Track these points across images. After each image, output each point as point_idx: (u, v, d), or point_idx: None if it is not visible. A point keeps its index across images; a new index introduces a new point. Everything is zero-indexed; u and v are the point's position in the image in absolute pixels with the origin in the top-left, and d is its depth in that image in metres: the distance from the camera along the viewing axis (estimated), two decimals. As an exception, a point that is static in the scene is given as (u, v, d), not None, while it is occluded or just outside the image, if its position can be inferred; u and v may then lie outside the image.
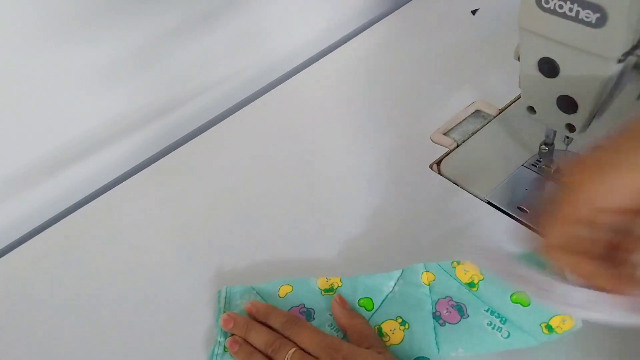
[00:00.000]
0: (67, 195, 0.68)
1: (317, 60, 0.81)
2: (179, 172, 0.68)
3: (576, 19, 0.42)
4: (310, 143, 0.68)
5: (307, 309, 0.51)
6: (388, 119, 0.70)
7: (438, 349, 0.46)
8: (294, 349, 0.45)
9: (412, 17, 0.86)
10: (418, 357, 0.46)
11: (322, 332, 0.47)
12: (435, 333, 0.47)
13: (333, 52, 0.82)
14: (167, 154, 0.70)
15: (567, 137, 0.55)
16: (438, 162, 0.64)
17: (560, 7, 0.42)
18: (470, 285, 0.47)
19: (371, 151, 0.66)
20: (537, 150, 0.58)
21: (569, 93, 0.48)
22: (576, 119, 0.49)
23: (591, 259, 0.37)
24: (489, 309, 0.47)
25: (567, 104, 0.48)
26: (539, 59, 0.47)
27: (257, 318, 0.49)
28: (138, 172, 0.68)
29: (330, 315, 0.50)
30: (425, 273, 0.50)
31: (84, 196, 0.69)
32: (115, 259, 0.59)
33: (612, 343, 0.45)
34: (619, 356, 0.45)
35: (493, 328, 0.46)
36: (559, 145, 0.57)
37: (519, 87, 0.52)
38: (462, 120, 0.68)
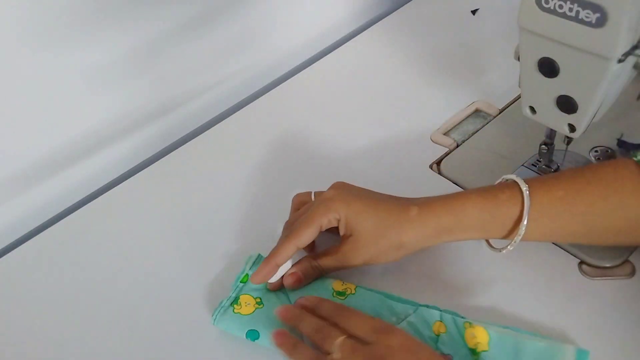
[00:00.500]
0: (67, 195, 0.68)
1: (317, 60, 0.81)
2: (179, 172, 0.68)
3: (576, 18, 0.42)
4: (310, 143, 0.68)
5: None
6: (388, 119, 0.70)
7: None
8: (342, 337, 0.43)
9: (412, 17, 0.86)
10: None
11: (373, 317, 0.46)
12: None
13: (333, 52, 0.82)
14: (167, 154, 0.70)
15: (567, 137, 0.55)
16: (438, 162, 0.64)
17: (560, 7, 0.42)
18: (473, 352, 0.46)
19: (371, 151, 0.66)
20: (537, 150, 0.58)
21: (569, 93, 0.48)
22: (576, 119, 0.49)
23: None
24: None
25: (567, 104, 0.48)
26: (538, 59, 0.47)
27: (307, 310, 0.49)
28: (138, 172, 0.68)
29: None
30: (437, 322, 0.48)
31: (84, 196, 0.69)
32: (115, 258, 0.59)
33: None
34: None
35: None
36: (559, 145, 0.57)
37: (519, 87, 0.52)
38: (462, 120, 0.68)
